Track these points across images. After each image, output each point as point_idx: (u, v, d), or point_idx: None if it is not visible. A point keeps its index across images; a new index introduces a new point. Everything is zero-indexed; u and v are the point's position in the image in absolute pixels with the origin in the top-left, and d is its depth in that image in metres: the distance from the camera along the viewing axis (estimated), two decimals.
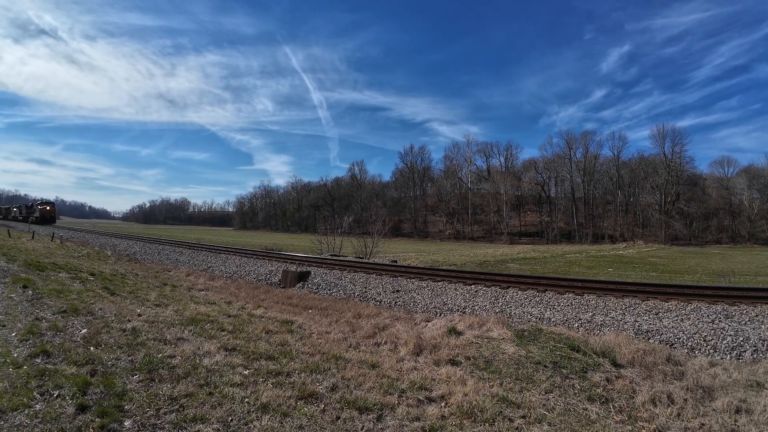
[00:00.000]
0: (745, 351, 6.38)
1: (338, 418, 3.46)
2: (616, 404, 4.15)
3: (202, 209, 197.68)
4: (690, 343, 6.78)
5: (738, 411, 4.12)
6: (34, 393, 3.34)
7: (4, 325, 4.92)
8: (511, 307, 9.16)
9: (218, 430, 3.09)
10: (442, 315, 8.89)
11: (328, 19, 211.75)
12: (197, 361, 4.45)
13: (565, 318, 8.25)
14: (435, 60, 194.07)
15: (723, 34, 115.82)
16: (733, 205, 65.74)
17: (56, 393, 3.37)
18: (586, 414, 3.87)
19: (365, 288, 11.65)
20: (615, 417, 3.88)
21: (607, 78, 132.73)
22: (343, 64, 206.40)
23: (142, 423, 3.08)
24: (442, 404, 3.92)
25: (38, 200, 60.68)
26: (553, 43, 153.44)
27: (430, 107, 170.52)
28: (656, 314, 8.11)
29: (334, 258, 18.55)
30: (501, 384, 4.44)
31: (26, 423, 2.92)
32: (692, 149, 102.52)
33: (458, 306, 9.46)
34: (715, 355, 6.45)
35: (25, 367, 3.81)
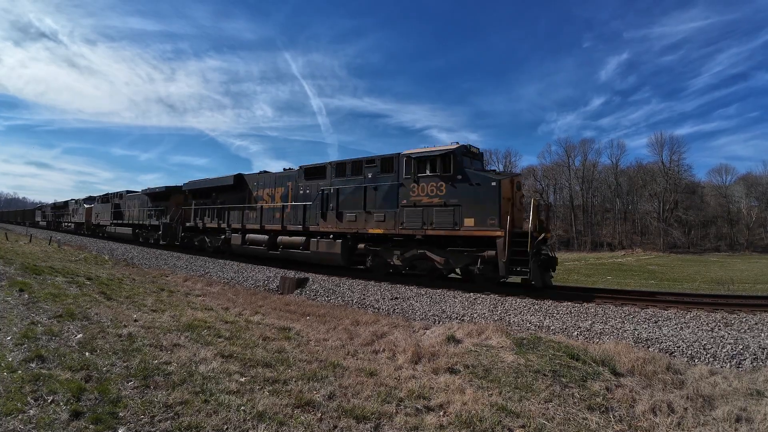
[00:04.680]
0: (744, 359, 6.35)
1: (335, 427, 3.42)
2: (616, 413, 4.12)
3: None
4: (690, 352, 6.74)
5: (738, 420, 4.09)
6: (28, 398, 3.31)
7: (0, 329, 4.88)
8: (510, 314, 9.12)
9: None
10: (441, 323, 8.84)
11: (328, 25, 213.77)
12: (193, 367, 4.41)
13: (565, 326, 8.21)
14: (435, 67, 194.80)
15: (721, 42, 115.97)
16: (731, 213, 65.91)
17: (50, 398, 3.34)
18: (586, 423, 3.83)
19: (363, 295, 11.59)
20: (615, 426, 3.85)
21: (605, 86, 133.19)
22: (342, 70, 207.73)
23: (136, 430, 3.05)
24: (441, 413, 3.88)
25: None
26: (553, 51, 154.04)
27: (429, 114, 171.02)
28: (655, 322, 8.07)
29: None
30: (500, 393, 4.40)
31: (20, 428, 2.88)
32: (690, 157, 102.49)
33: (457, 314, 9.41)
34: (715, 363, 6.42)
35: (19, 372, 3.78)
